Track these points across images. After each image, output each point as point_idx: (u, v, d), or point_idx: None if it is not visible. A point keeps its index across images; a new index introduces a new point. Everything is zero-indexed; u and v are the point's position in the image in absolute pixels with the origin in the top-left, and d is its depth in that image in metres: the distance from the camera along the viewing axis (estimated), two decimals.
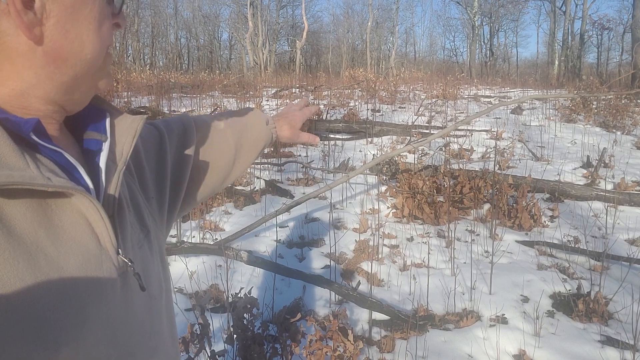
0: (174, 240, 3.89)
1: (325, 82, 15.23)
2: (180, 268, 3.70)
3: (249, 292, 2.26)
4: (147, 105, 8.55)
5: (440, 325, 3.20)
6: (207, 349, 2.14)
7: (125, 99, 10.18)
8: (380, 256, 4.09)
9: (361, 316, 3.26)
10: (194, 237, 4.27)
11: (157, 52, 42.30)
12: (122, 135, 0.73)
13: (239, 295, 2.28)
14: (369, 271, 3.82)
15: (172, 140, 0.97)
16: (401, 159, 5.79)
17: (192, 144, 1.01)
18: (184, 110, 9.10)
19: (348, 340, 2.07)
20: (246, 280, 3.62)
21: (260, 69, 29.62)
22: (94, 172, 0.68)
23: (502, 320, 3.22)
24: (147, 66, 30.01)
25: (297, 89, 13.22)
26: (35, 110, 0.63)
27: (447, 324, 3.23)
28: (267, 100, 11.90)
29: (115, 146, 0.72)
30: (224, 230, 4.54)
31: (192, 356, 2.06)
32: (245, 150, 1.12)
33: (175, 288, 3.51)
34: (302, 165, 6.18)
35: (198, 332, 2.14)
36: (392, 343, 3.00)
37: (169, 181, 0.94)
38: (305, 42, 35.42)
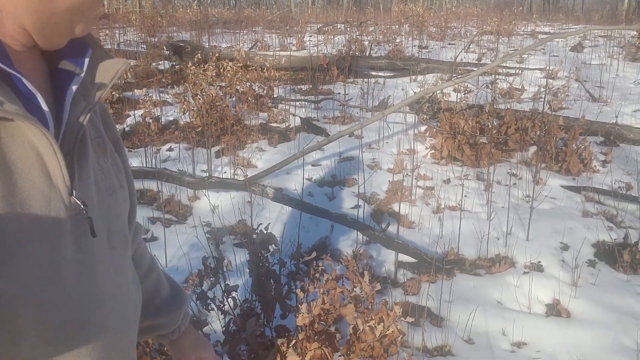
0: (203, 174, 3.88)
1: (372, 18, 14.57)
2: (208, 203, 3.70)
3: (267, 228, 2.19)
4: (188, 39, 8.45)
5: (471, 270, 3.08)
6: (222, 283, 2.11)
7: (167, 34, 10.11)
8: (413, 197, 3.95)
9: (388, 257, 3.17)
10: (225, 172, 4.25)
11: None
12: (102, 75, 0.68)
13: (256, 231, 2.22)
14: (400, 212, 3.70)
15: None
16: (443, 98, 5.49)
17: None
18: (224, 45, 8.94)
19: (364, 281, 1.99)
20: (274, 217, 3.58)
21: (308, 5, 28.74)
22: (60, 104, 0.62)
23: (537, 268, 3.07)
24: (195, 2, 29.70)
25: (342, 25, 12.72)
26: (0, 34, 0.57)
27: (477, 269, 3.11)
28: (310, 36, 11.54)
29: (92, 85, 0.66)
30: (257, 167, 4.49)
31: (206, 290, 2.04)
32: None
33: (203, 222, 3.52)
34: (339, 103, 5.99)
35: (212, 265, 2.11)
36: (417, 286, 2.92)
37: None
38: None
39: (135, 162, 4.40)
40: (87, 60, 0.66)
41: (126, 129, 5.38)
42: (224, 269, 2.15)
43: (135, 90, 5.32)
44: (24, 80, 0.56)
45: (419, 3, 17.22)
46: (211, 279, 2.10)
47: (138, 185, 4.05)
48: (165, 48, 7.97)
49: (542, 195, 3.93)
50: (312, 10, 21.73)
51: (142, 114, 4.96)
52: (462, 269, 3.07)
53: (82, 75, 0.65)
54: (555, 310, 2.66)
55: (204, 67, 5.27)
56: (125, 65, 0.70)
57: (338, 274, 2.12)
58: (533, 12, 22.00)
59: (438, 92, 5.44)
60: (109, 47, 8.48)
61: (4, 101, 0.52)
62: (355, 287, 2.10)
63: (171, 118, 5.65)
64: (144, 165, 4.19)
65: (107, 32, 10.09)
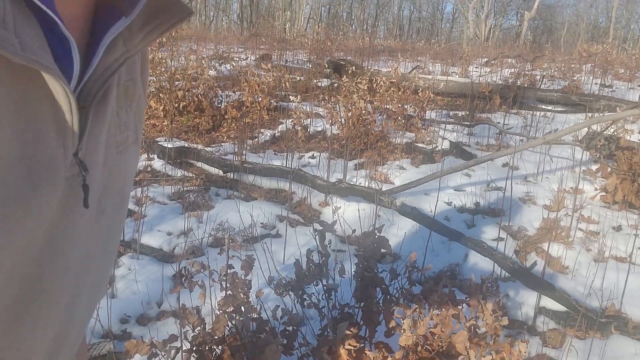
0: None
1: (549, 54, 13.50)
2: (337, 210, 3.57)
3: (380, 231, 1.96)
4: (350, 59, 8.62)
5: (634, 334, 2.46)
6: (324, 280, 1.92)
7: (333, 57, 10.48)
8: (571, 240, 3.36)
9: (527, 300, 2.69)
10: (359, 183, 4.10)
11: (379, 23, 43.10)
12: (155, 19, 0.55)
13: (369, 234, 2.00)
14: (552, 253, 3.17)
15: None
16: (624, 135, 4.71)
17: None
18: (385, 70, 8.94)
19: (487, 308, 1.64)
20: (402, 235, 3.31)
21: (481, 41, 27.92)
22: (92, 47, 0.52)
23: None
24: (370, 34, 30.93)
25: (513, 60, 11.96)
26: None
27: None
28: (476, 67, 11.04)
29: (140, 28, 0.54)
30: (394, 184, 4.26)
31: (303, 285, 1.86)
32: None
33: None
34: (496, 130, 5.49)
35: (316, 261, 1.93)
36: (560, 338, 2.41)
37: None
38: (536, 15, 32.16)
39: (276, 162, 4.48)
40: (142, 3, 0.52)
41: (276, 134, 5.56)
42: (327, 266, 1.96)
43: (291, 98, 5.48)
44: (61, 26, 0.46)
45: (607, 42, 15.55)
46: (311, 270, 1.92)
47: (274, 184, 4.09)
48: (326, 65, 8.21)
49: None
50: (484, 45, 21.00)
51: (292, 121, 5.08)
52: (623, 330, 2.46)
53: (131, 18, 0.52)
54: None
55: (357, 79, 5.24)
56: (188, 13, 0.56)
57: (457, 298, 1.79)
58: None
59: (619, 128, 4.68)
60: (277, 62, 9.02)
61: (27, 43, 0.43)
62: (478, 318, 1.75)
63: (319, 129, 5.71)
64: (283, 165, 4.23)
65: (279, 52, 10.80)
